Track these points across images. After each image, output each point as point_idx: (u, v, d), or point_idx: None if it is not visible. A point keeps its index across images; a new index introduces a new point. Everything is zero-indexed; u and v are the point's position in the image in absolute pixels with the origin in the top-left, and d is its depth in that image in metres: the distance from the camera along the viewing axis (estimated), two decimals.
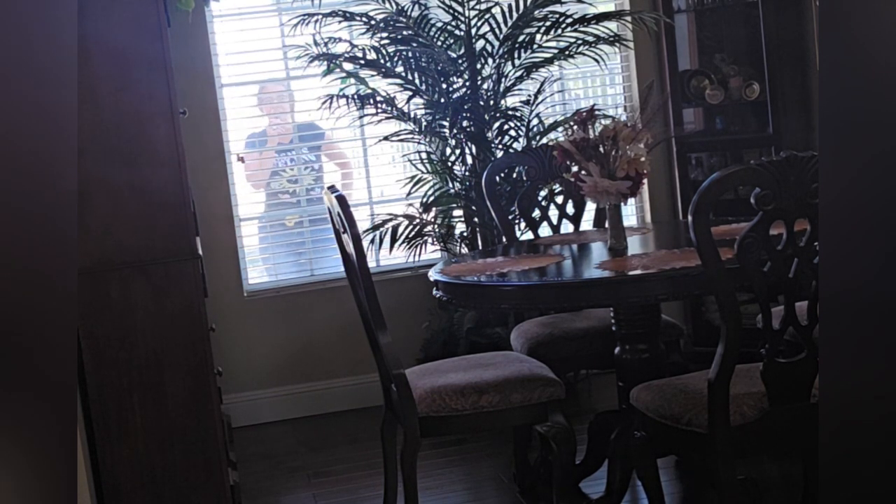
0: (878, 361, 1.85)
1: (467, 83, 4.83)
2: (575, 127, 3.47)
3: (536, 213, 4.30)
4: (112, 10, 3.35)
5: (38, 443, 1.77)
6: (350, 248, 3.28)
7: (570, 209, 4.25)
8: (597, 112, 3.52)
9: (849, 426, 1.87)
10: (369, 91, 4.91)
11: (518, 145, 4.88)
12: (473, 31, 4.80)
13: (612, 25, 5.05)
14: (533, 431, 3.75)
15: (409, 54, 4.78)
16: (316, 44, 4.80)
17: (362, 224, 5.04)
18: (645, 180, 3.43)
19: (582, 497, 3.74)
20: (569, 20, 4.77)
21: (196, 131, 4.86)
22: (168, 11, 3.76)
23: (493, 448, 4.43)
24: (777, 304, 2.87)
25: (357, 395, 5.13)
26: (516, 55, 4.82)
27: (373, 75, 4.88)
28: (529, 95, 4.93)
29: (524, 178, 4.56)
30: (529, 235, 4.25)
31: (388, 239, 4.89)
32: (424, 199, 4.94)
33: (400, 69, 4.82)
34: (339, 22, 4.81)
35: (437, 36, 4.78)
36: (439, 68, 4.77)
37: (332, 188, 3.37)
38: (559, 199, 4.29)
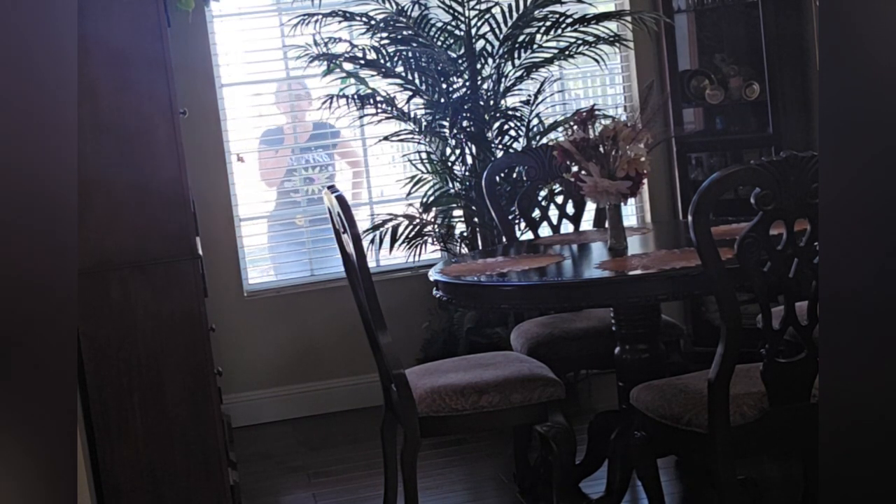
0: (878, 361, 1.85)
1: (467, 83, 4.83)
2: (575, 127, 3.47)
3: (536, 213, 4.30)
4: (112, 10, 3.36)
5: (38, 443, 1.77)
6: (350, 248, 3.28)
7: (570, 209, 4.25)
8: (597, 112, 3.52)
9: (849, 426, 1.87)
10: (369, 91, 4.91)
11: (518, 145, 4.88)
12: (473, 31, 4.80)
13: (612, 25, 5.05)
14: (533, 431, 3.75)
15: (409, 54, 4.78)
16: (316, 44, 4.80)
17: (362, 224, 5.04)
18: (645, 180, 3.43)
19: (582, 497, 3.74)
20: (569, 20, 4.77)
21: (196, 131, 4.86)
22: (168, 11, 3.77)
23: (493, 448, 4.43)
24: (777, 304, 2.87)
25: (357, 395, 5.13)
26: (516, 55, 4.82)
27: (373, 75, 4.88)
28: (529, 95, 4.93)
29: (524, 178, 4.56)
30: (529, 235, 4.25)
31: (388, 239, 4.89)
32: (424, 199, 4.94)
33: (400, 69, 4.82)
34: (339, 22, 4.81)
35: (437, 36, 4.78)
36: (439, 68, 4.77)
37: (332, 188, 3.36)
38: (559, 199, 4.29)
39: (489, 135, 4.86)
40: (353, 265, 3.31)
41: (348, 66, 4.89)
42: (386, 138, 4.97)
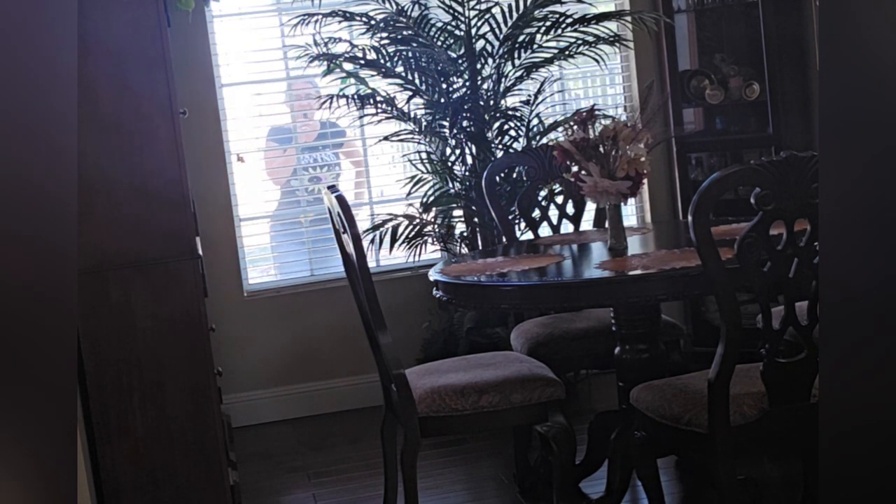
0: (878, 361, 1.85)
1: (467, 83, 4.83)
2: (575, 127, 3.47)
3: (536, 213, 4.30)
4: (112, 9, 3.36)
5: (38, 443, 1.77)
6: (350, 248, 3.28)
7: (570, 209, 4.25)
8: (597, 112, 3.52)
9: (849, 426, 1.87)
10: (369, 91, 4.91)
11: (518, 145, 4.88)
12: (473, 31, 4.80)
13: (612, 25, 5.05)
14: (533, 431, 3.75)
15: (409, 54, 4.78)
16: (316, 44, 4.80)
17: (362, 224, 5.04)
18: (645, 180, 3.43)
19: (582, 497, 3.74)
20: (569, 20, 4.77)
21: (196, 131, 4.86)
22: (168, 11, 3.76)
23: (493, 448, 4.43)
24: (777, 304, 2.87)
25: (357, 395, 5.13)
26: (516, 55, 4.82)
27: (373, 75, 4.88)
28: (529, 95, 4.93)
29: (524, 178, 4.56)
30: (529, 235, 4.25)
31: (388, 239, 4.89)
32: (424, 199, 4.94)
33: (400, 69, 4.82)
34: (339, 22, 4.81)
35: (437, 36, 4.78)
36: (439, 68, 4.77)
37: (332, 188, 3.36)
38: (559, 199, 4.29)
39: (489, 135, 4.86)
40: (353, 265, 3.31)
41: (348, 66, 4.89)
42: (386, 138, 4.97)
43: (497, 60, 4.82)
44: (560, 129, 4.83)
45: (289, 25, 4.85)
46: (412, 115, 4.89)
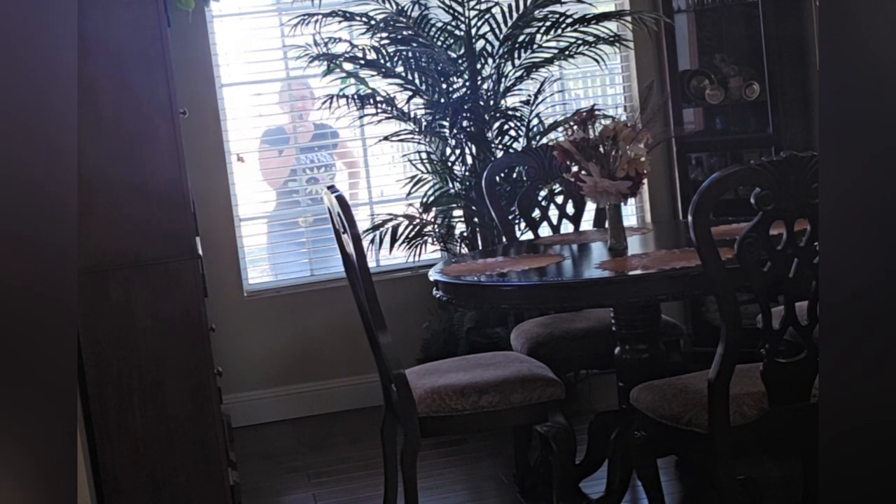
0: (878, 361, 1.85)
1: (467, 83, 4.83)
2: (575, 127, 3.47)
3: (536, 213, 4.30)
4: (112, 10, 3.36)
5: (38, 443, 1.77)
6: (350, 248, 3.28)
7: (570, 209, 4.25)
8: (597, 112, 3.52)
9: (849, 426, 1.87)
10: (369, 91, 4.91)
11: (518, 145, 4.88)
12: (473, 31, 4.80)
13: (612, 25, 5.05)
14: (533, 431, 3.75)
15: (409, 54, 4.78)
16: (316, 44, 4.80)
17: (362, 224, 5.04)
18: (645, 180, 3.43)
19: (582, 497, 3.74)
20: (569, 20, 4.77)
21: (196, 131, 4.86)
22: (168, 11, 3.76)
23: (493, 448, 4.43)
24: (777, 304, 2.87)
25: (357, 395, 5.13)
26: (516, 55, 4.82)
27: (373, 75, 4.88)
28: (529, 95, 4.93)
29: (524, 178, 4.56)
30: (529, 235, 4.25)
31: (388, 239, 4.89)
32: (424, 199, 4.94)
33: (400, 69, 4.82)
34: (339, 22, 4.81)
35: (437, 36, 4.78)
36: (439, 68, 4.77)
37: (332, 188, 3.36)
38: (559, 199, 4.29)
39: (489, 135, 4.86)
40: (353, 265, 3.31)
41: (348, 66, 4.89)
42: (386, 138, 4.97)
43: (497, 60, 4.82)
44: (560, 129, 4.83)
45: (289, 25, 4.85)
46: (412, 115, 4.89)
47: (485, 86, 4.85)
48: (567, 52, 4.83)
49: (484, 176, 4.24)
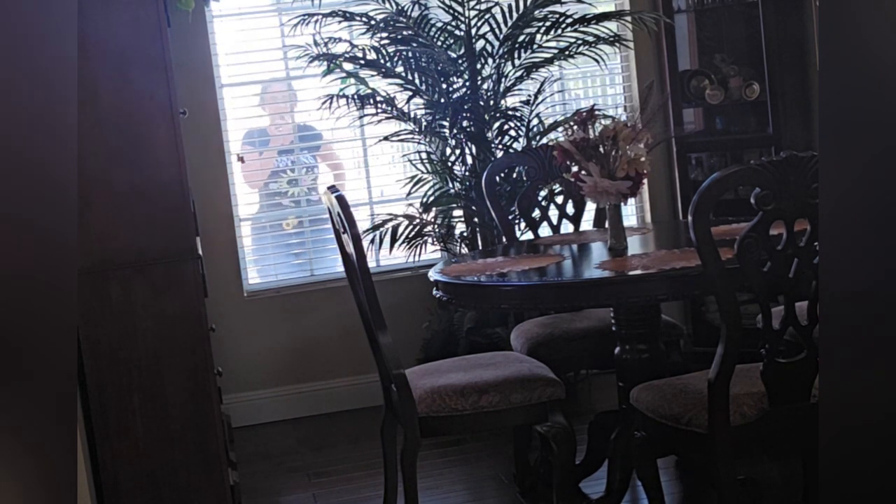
0: (878, 361, 1.85)
1: (467, 83, 4.83)
2: (575, 127, 3.47)
3: (536, 213, 4.30)
4: (112, 10, 3.36)
5: (38, 443, 1.77)
6: (350, 248, 3.28)
7: (570, 209, 4.25)
8: (597, 112, 3.52)
9: (849, 426, 1.87)
10: (369, 91, 4.91)
11: (518, 145, 4.88)
12: (473, 31, 4.80)
13: (612, 25, 5.05)
14: (533, 431, 3.75)
15: (409, 54, 4.78)
16: (316, 44, 4.80)
17: (362, 224, 5.04)
18: (645, 180, 3.43)
19: (582, 497, 3.74)
20: (569, 20, 4.77)
21: (196, 131, 4.86)
22: (168, 11, 3.76)
23: (493, 448, 4.43)
24: (777, 304, 2.87)
25: (357, 395, 5.13)
26: (516, 55, 4.82)
27: (373, 75, 4.88)
28: (529, 95, 4.93)
29: (524, 178, 4.56)
30: (529, 235, 4.25)
31: (388, 239, 4.89)
32: (424, 199, 4.94)
33: (400, 69, 4.82)
34: (339, 22, 4.81)
35: (437, 36, 4.78)
36: (439, 68, 4.77)
37: (332, 188, 3.37)
38: (559, 199, 4.29)
39: (489, 135, 4.86)
40: (353, 265, 3.31)
41: (348, 66, 4.89)
42: (386, 138, 4.97)
43: (497, 60, 4.82)
44: (560, 129, 4.83)
45: (289, 25, 4.85)
46: (412, 115, 4.89)
47: (485, 86, 4.85)
48: (567, 53, 4.83)
49: (484, 176, 4.24)
